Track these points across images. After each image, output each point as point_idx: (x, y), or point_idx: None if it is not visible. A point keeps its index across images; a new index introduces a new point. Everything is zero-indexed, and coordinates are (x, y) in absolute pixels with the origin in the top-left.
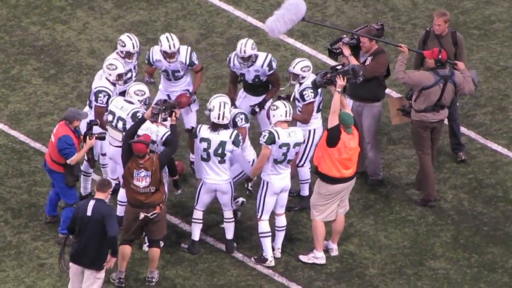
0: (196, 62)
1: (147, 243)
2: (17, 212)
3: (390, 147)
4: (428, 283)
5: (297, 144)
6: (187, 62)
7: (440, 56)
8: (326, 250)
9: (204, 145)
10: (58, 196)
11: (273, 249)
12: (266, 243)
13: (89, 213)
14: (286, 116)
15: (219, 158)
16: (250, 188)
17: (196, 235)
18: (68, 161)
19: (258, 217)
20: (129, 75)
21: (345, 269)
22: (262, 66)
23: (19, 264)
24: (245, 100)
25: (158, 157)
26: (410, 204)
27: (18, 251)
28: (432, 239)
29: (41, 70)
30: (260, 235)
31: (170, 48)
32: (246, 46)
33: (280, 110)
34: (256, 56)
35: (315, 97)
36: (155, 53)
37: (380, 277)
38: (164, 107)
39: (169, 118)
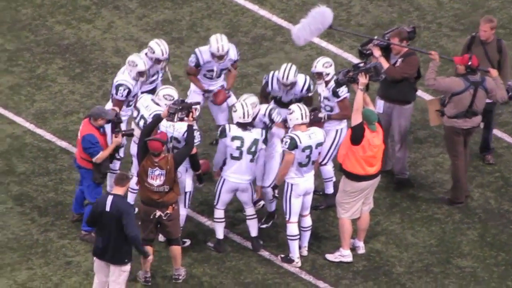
0: (238, 56)
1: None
2: (43, 211)
3: (416, 145)
4: (455, 281)
5: (319, 145)
6: (237, 58)
7: (470, 63)
8: (353, 249)
9: (237, 143)
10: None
11: (300, 248)
12: (294, 245)
13: (107, 208)
14: (302, 118)
15: (251, 157)
16: (276, 195)
17: (220, 234)
18: (93, 160)
19: (287, 219)
20: (155, 77)
21: (372, 267)
22: (301, 91)
23: (46, 262)
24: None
25: (174, 156)
26: (437, 202)
27: (45, 249)
28: (459, 237)
29: (67, 69)
30: (289, 237)
31: (218, 50)
32: (289, 73)
33: (296, 113)
34: (296, 83)
35: (348, 91)
36: (204, 53)
37: (407, 275)
38: (181, 107)
39: (186, 118)
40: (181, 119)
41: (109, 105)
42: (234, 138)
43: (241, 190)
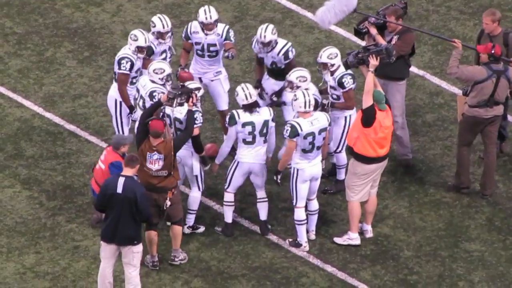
0: (232, 39)
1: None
2: (51, 194)
3: (424, 129)
4: (463, 265)
5: (322, 130)
6: (224, 35)
7: (493, 51)
8: (361, 232)
9: (249, 128)
10: None
11: (308, 232)
12: (302, 230)
13: (119, 190)
14: (305, 107)
15: (264, 138)
16: (279, 181)
17: (229, 218)
18: None
19: (294, 204)
20: (163, 55)
21: (380, 251)
22: (278, 54)
23: (54, 246)
24: (268, 82)
25: (173, 141)
26: (445, 186)
27: (52, 233)
28: (467, 221)
29: (75, 53)
30: (296, 222)
31: (206, 19)
32: (266, 31)
33: (299, 101)
34: (277, 42)
35: (354, 83)
36: (193, 26)
37: (415, 259)
38: (180, 92)
39: (185, 104)
40: (181, 104)
41: (114, 87)
42: (245, 124)
43: (255, 173)
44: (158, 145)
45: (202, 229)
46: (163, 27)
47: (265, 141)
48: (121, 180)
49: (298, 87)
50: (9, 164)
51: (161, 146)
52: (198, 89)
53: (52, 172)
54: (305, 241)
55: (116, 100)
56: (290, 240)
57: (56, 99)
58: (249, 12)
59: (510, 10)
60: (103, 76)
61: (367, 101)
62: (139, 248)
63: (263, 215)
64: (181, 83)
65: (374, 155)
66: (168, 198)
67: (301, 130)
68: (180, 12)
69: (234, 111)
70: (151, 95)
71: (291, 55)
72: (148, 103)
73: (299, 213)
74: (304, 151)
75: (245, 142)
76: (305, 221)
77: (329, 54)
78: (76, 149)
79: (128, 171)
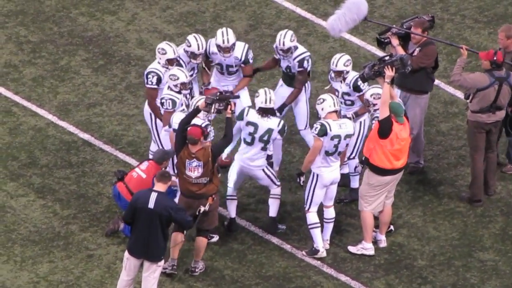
0: (251, 61)
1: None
2: (65, 203)
3: (439, 138)
4: (477, 274)
5: (348, 136)
6: (242, 59)
7: (495, 58)
8: (375, 242)
9: (251, 129)
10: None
11: (315, 253)
12: (316, 234)
13: (151, 205)
14: (334, 105)
15: (262, 145)
16: (302, 184)
17: (232, 212)
18: None
19: (306, 209)
20: (191, 72)
21: (394, 260)
22: (294, 60)
23: (68, 255)
24: (280, 89)
25: (211, 148)
26: (459, 195)
27: (66, 242)
28: (480, 230)
29: (90, 61)
30: (310, 226)
31: (223, 42)
32: (285, 38)
33: (328, 101)
34: (296, 48)
35: (368, 84)
36: (212, 45)
37: (428, 268)
38: (218, 98)
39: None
40: (219, 111)
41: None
42: (248, 123)
43: (254, 176)
44: (197, 152)
45: (216, 238)
46: (198, 49)
47: (263, 149)
48: (153, 195)
49: (347, 72)
50: (23, 173)
51: (200, 153)
52: (237, 97)
53: (66, 181)
54: (322, 246)
55: (150, 114)
56: (307, 250)
57: (71, 107)
58: (264, 21)
59: None
60: (117, 85)
61: (384, 112)
62: (162, 262)
63: (272, 211)
64: (222, 90)
65: (389, 167)
66: (207, 204)
67: (330, 130)
68: (195, 21)
69: (246, 108)
70: (159, 102)
71: (306, 64)
72: (162, 110)
73: (311, 217)
74: (327, 153)
75: (244, 141)
76: (319, 224)
77: (345, 62)
78: (90, 158)
79: (160, 187)
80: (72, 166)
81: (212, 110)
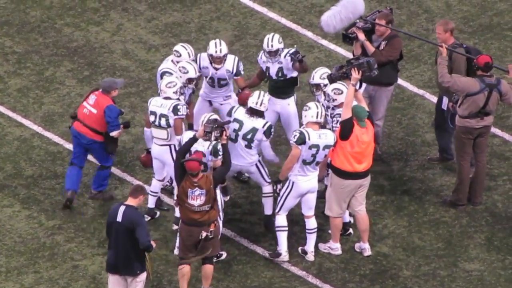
0: (242, 72)
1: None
2: (51, 214)
3: (424, 148)
4: (462, 285)
5: (327, 147)
6: (234, 71)
7: (475, 60)
8: (360, 252)
9: (236, 126)
10: (81, 173)
11: (306, 253)
12: (282, 237)
13: (119, 219)
14: (317, 117)
15: (246, 143)
16: (278, 192)
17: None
18: (112, 134)
19: (276, 211)
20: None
21: (379, 270)
22: (284, 57)
23: (53, 265)
24: (271, 106)
25: (213, 175)
26: (444, 205)
27: (52, 253)
28: (466, 240)
29: (75, 72)
30: (277, 229)
31: (216, 52)
32: (273, 40)
33: (312, 111)
34: (283, 50)
35: None
36: (203, 59)
37: (414, 278)
38: (216, 125)
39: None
40: (217, 138)
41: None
42: (235, 120)
43: (246, 171)
44: (199, 180)
45: (224, 255)
46: (195, 73)
47: (247, 147)
48: (121, 209)
49: (325, 85)
50: (9, 183)
51: (202, 181)
52: (229, 122)
53: (51, 192)
54: (285, 250)
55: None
56: (270, 252)
57: (56, 118)
58: (249, 31)
59: (510, 29)
60: None
61: (346, 114)
62: (142, 277)
63: (266, 209)
64: (214, 118)
65: (351, 169)
66: (210, 231)
67: (309, 139)
68: (180, 31)
69: (235, 106)
70: (175, 109)
71: (298, 55)
72: (172, 119)
73: (280, 219)
74: (304, 162)
75: (230, 137)
76: (286, 228)
77: (321, 75)
78: None
79: (131, 201)
80: (58, 177)
81: (212, 138)
